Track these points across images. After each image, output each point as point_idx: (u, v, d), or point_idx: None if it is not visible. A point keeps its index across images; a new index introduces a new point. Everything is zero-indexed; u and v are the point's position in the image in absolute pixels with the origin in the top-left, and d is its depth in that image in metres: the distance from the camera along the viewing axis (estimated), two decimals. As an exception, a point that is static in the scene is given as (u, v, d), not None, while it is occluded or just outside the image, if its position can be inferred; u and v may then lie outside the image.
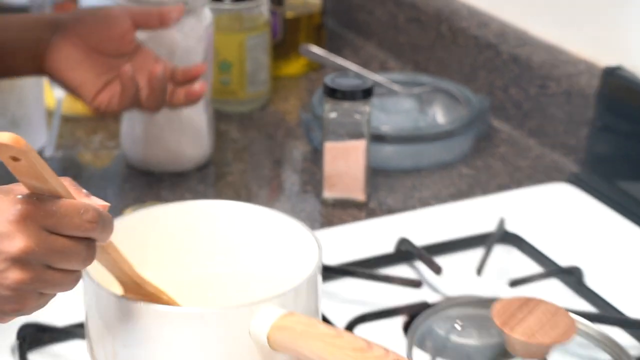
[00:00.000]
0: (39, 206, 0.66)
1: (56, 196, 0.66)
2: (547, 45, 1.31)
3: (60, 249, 0.66)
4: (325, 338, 0.71)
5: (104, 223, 0.67)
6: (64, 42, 1.07)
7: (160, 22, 1.08)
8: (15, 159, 0.62)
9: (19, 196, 0.65)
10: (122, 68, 1.03)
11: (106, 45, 1.07)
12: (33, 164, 0.63)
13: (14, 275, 0.65)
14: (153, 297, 0.80)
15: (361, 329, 0.91)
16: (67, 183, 0.68)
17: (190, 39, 1.14)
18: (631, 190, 1.14)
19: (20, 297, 0.67)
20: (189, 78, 1.07)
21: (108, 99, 1.04)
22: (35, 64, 1.07)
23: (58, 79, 1.09)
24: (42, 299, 0.69)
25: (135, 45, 1.09)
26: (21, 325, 0.88)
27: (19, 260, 0.64)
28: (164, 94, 1.04)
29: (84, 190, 0.70)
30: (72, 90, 1.08)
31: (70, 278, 0.68)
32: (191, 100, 1.08)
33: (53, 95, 1.30)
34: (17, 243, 0.64)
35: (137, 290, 0.80)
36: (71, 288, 0.70)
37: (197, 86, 1.08)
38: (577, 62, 1.23)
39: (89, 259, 0.68)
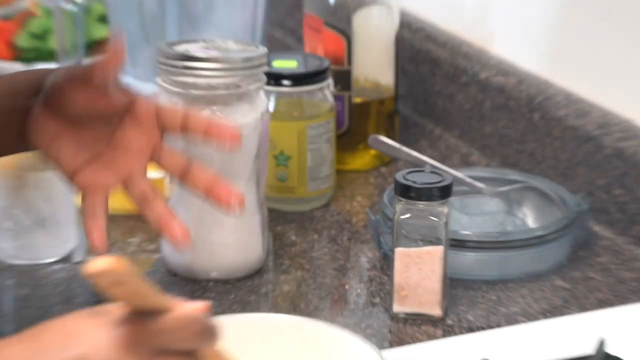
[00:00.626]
0: (143, 327, 0.63)
1: (157, 311, 0.63)
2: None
3: None
4: None
5: (210, 331, 0.64)
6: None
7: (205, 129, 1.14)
8: (118, 283, 0.58)
9: (120, 318, 0.62)
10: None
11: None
12: (137, 284, 0.60)
13: None
14: None
15: None
16: (165, 299, 0.77)
17: (242, 127, 1.06)
18: None
19: None
20: (223, 135, 0.94)
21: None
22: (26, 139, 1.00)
23: (50, 156, 1.01)
24: None
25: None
26: None
27: None
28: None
29: (187, 304, 0.73)
30: (57, 166, 0.99)
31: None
32: (222, 202, 0.94)
33: None
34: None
35: None
36: None
37: (232, 195, 0.94)
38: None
39: None
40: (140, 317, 0.64)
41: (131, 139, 0.91)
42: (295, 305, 1.14)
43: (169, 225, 0.90)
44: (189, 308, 0.66)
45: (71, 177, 0.94)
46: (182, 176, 0.88)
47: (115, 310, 0.64)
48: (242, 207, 0.96)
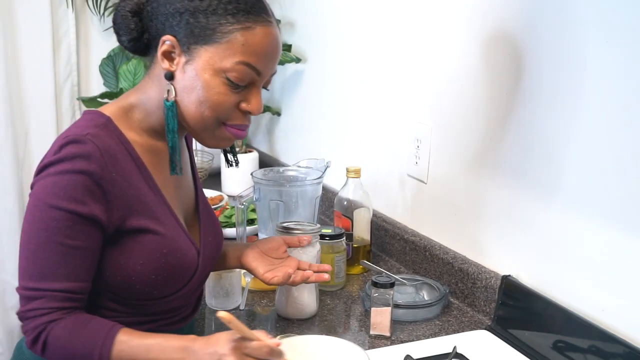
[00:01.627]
0: (242, 343, 0.97)
1: (251, 339, 0.99)
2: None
3: None
4: None
5: (277, 352, 1.00)
6: (251, 251, 1.34)
7: (299, 242, 1.38)
8: (229, 322, 0.97)
9: (234, 337, 0.99)
10: (287, 272, 1.31)
11: (271, 253, 1.34)
12: (239, 324, 0.99)
13: None
14: None
15: None
16: (258, 333, 1.01)
17: (310, 256, 1.42)
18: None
19: None
20: (321, 270, 1.34)
21: (271, 277, 1.29)
22: (238, 262, 1.35)
23: (247, 267, 1.33)
24: None
25: (287, 255, 1.36)
26: None
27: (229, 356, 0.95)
28: (302, 280, 1.30)
29: (269, 336, 1.01)
30: (252, 272, 1.33)
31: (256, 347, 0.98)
32: (319, 280, 1.33)
33: (244, 278, 1.50)
34: (226, 354, 0.98)
35: None
36: None
37: (326, 275, 1.34)
38: None
39: None
40: (243, 339, 1.00)
41: (288, 261, 1.36)
42: (330, 331, 1.42)
43: (319, 277, 1.34)
44: (267, 340, 1.01)
45: (263, 276, 1.33)
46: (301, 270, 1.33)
47: (232, 334, 0.99)
48: (329, 279, 1.33)
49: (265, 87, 1.11)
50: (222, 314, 0.95)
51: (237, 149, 2.32)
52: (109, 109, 1.10)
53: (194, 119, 1.08)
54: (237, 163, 1.29)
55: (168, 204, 1.10)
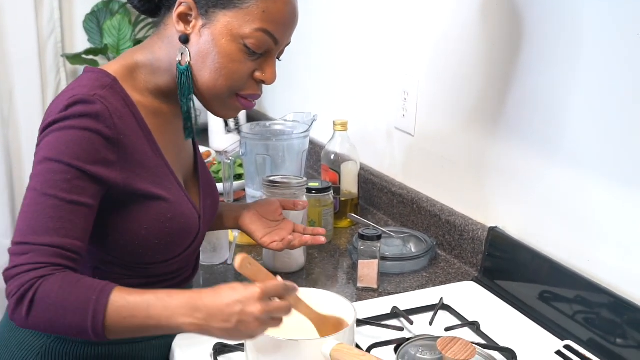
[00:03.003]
0: (263, 287, 0.93)
1: (268, 281, 0.94)
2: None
3: (275, 306, 0.93)
4: (358, 356, 0.94)
5: (289, 290, 0.97)
6: (248, 213, 1.32)
7: (294, 206, 1.36)
8: (249, 264, 0.94)
9: (256, 285, 0.92)
10: (287, 238, 1.30)
11: (268, 216, 1.32)
12: (258, 267, 0.96)
13: (253, 323, 0.91)
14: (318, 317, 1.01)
15: (375, 351, 1.10)
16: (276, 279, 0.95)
17: (300, 211, 1.42)
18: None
19: (258, 327, 0.92)
20: (316, 232, 1.33)
21: (269, 241, 1.29)
22: (235, 223, 1.33)
23: (245, 230, 1.31)
24: (263, 329, 0.92)
25: (283, 218, 1.33)
26: (214, 343, 1.10)
27: (258, 315, 0.92)
28: (300, 244, 1.30)
29: (278, 277, 0.97)
30: (250, 235, 1.31)
31: (278, 322, 0.95)
32: (316, 242, 1.32)
33: (232, 233, 1.51)
34: (256, 306, 0.91)
35: (316, 319, 1.03)
36: (278, 326, 0.94)
37: (323, 239, 1.33)
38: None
39: (289, 311, 0.95)
40: (263, 284, 0.92)
41: (284, 224, 1.34)
42: (317, 284, 1.40)
43: (315, 240, 1.32)
44: (281, 280, 0.97)
45: (260, 239, 1.31)
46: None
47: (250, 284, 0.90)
48: (325, 241, 1.32)
49: (278, 58, 1.09)
50: (239, 256, 0.95)
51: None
52: (113, 67, 1.06)
53: (206, 85, 1.05)
54: (239, 130, 1.24)
55: (171, 169, 1.08)
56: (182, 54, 1.04)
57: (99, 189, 0.97)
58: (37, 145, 0.97)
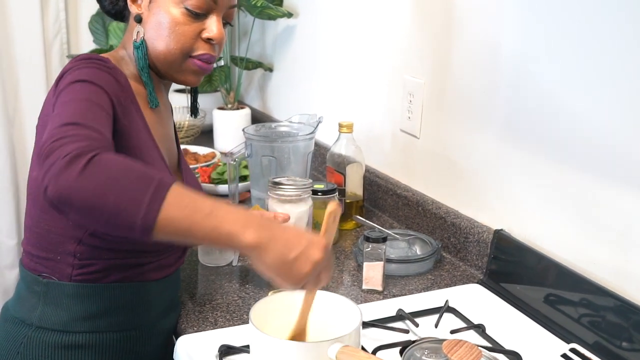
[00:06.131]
0: (328, 243, 0.91)
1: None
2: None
3: (329, 265, 0.93)
4: (364, 358, 0.93)
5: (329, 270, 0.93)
6: None
7: (274, 218, 1.31)
8: (335, 214, 0.95)
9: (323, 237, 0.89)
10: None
11: None
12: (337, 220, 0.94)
13: (309, 264, 0.90)
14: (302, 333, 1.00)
15: (380, 354, 1.10)
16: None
17: (302, 212, 1.44)
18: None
19: (310, 271, 0.91)
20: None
21: None
22: None
23: None
24: (311, 277, 0.92)
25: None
26: (220, 345, 1.11)
27: (317, 261, 0.90)
28: None
29: None
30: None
31: (321, 283, 0.95)
32: None
33: None
34: (320, 252, 0.91)
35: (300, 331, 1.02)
36: (318, 287, 0.95)
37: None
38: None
39: (328, 280, 0.96)
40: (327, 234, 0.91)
41: None
42: (324, 286, 1.25)
43: None
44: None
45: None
46: None
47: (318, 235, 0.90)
48: None
49: (228, 22, 1.18)
50: (334, 203, 0.95)
51: (229, 105, 2.31)
52: (105, 55, 1.16)
53: (162, 54, 1.14)
54: (196, 112, 1.36)
55: (157, 145, 1.14)
56: (137, 32, 1.15)
57: (112, 115, 1.03)
58: (56, 87, 1.03)
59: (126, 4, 1.17)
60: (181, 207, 0.83)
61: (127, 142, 1.04)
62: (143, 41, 1.14)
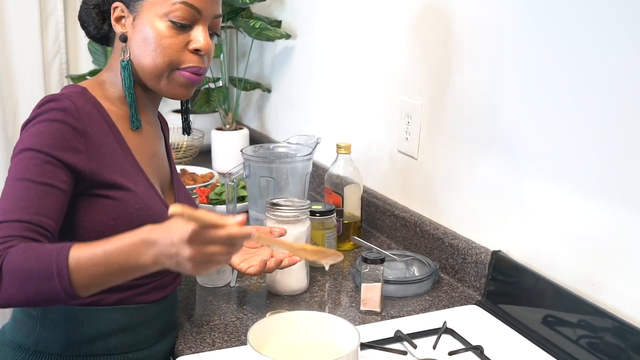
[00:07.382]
0: (201, 231, 0.90)
1: (211, 225, 0.90)
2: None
3: (210, 251, 0.90)
4: None
5: (236, 239, 0.92)
6: None
7: (271, 232, 1.39)
8: (182, 215, 0.86)
9: (190, 226, 0.88)
10: (262, 259, 1.30)
11: (246, 243, 1.29)
12: (193, 213, 0.88)
13: (188, 264, 0.90)
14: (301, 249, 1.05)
15: None
16: (224, 218, 0.88)
17: (300, 233, 1.44)
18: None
19: (194, 268, 0.90)
20: (291, 262, 1.33)
21: (247, 267, 1.33)
22: None
23: None
24: (204, 269, 0.91)
25: (261, 245, 1.39)
26: None
27: (191, 255, 0.90)
28: (275, 266, 1.31)
29: (236, 217, 0.91)
30: (230, 264, 1.38)
31: (223, 262, 0.92)
32: (292, 263, 1.35)
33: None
34: (186, 250, 0.89)
35: (295, 249, 1.07)
36: (222, 264, 0.92)
37: (297, 258, 1.35)
38: None
39: (228, 256, 0.92)
40: (204, 228, 0.88)
41: (262, 250, 1.38)
42: (320, 307, 1.40)
43: (291, 260, 1.34)
44: (230, 221, 0.90)
45: (237, 266, 1.37)
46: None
47: (188, 223, 0.87)
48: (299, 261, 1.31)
49: (215, 32, 1.19)
50: (172, 210, 0.87)
51: (227, 126, 2.32)
52: (84, 83, 1.18)
53: (149, 69, 1.14)
54: (189, 130, 1.35)
55: (140, 167, 1.14)
56: (124, 52, 1.15)
57: (69, 174, 1.03)
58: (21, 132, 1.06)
59: (110, 27, 1.18)
60: (84, 270, 0.93)
61: (108, 171, 1.07)
62: (129, 60, 1.15)
